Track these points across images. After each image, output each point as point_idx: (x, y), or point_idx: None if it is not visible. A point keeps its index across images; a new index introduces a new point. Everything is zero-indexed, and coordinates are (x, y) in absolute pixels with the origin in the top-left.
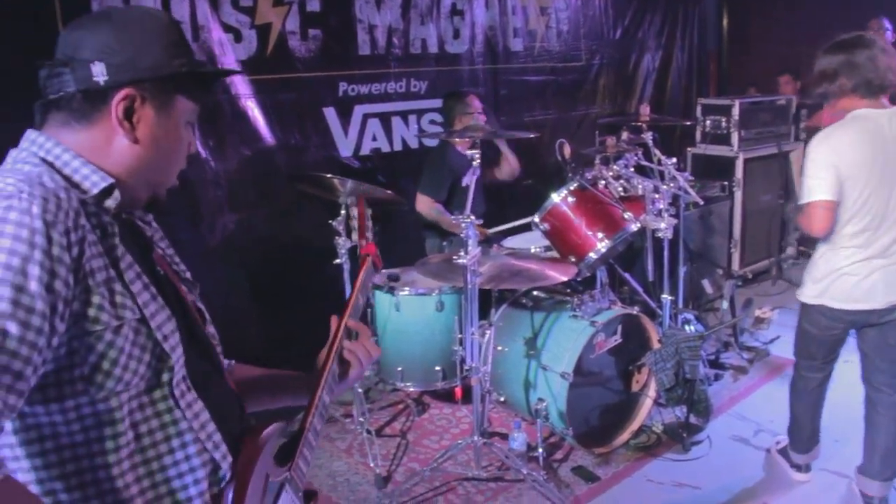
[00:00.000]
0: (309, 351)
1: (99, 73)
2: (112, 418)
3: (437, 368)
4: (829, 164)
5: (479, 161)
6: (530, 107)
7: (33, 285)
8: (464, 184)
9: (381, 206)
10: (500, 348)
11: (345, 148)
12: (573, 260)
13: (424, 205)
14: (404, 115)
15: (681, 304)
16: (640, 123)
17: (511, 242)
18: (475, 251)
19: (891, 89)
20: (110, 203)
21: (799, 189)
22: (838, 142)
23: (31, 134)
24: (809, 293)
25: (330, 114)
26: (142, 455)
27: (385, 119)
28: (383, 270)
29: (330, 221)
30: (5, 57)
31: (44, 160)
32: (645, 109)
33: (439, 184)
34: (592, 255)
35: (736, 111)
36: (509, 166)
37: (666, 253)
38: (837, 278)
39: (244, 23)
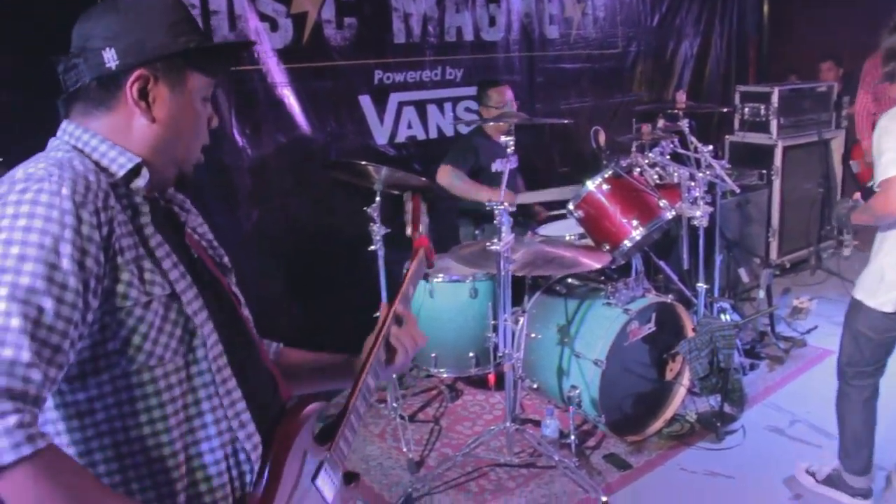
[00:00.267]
0: (344, 336)
1: (110, 58)
2: (144, 392)
3: (471, 355)
4: None
5: (513, 148)
6: (566, 94)
7: (66, 263)
8: (493, 169)
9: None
10: (533, 335)
11: (380, 136)
12: (607, 248)
13: (444, 174)
14: (440, 102)
15: (716, 293)
16: (676, 111)
17: (545, 230)
18: (509, 238)
19: None
20: (139, 182)
21: (838, 179)
22: None
23: (63, 123)
24: (878, 297)
25: (365, 102)
26: (178, 429)
27: (420, 107)
28: None
29: (365, 209)
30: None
31: (74, 147)
32: (681, 97)
33: (462, 158)
34: (627, 243)
35: (775, 98)
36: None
37: (701, 241)
38: None
39: (280, 12)
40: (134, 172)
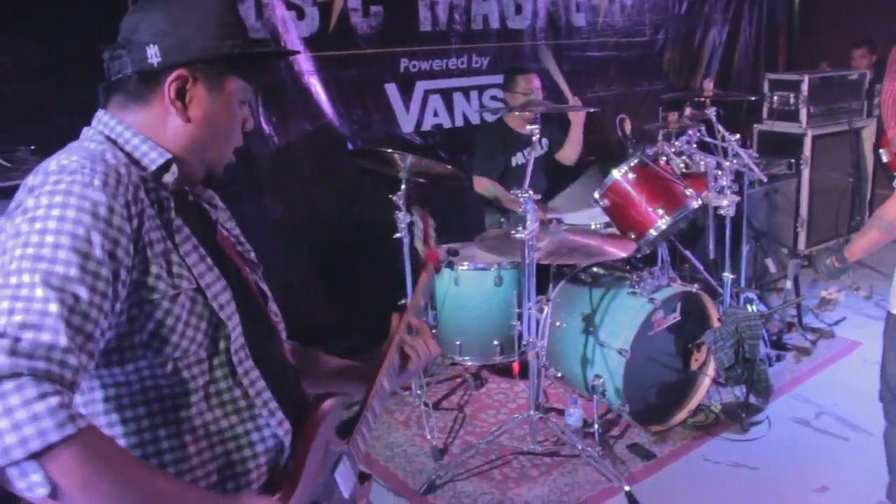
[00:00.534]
0: (369, 324)
1: (153, 55)
2: (170, 383)
3: (495, 343)
4: None
5: (538, 136)
6: (592, 83)
7: (98, 252)
8: (514, 163)
9: (442, 182)
10: (557, 324)
11: (406, 124)
12: (633, 237)
13: (480, 185)
14: (465, 91)
15: (743, 283)
16: (703, 99)
17: (570, 218)
18: (534, 226)
19: None
20: (168, 178)
21: (868, 169)
22: None
23: (99, 113)
24: None
25: (391, 90)
26: (200, 419)
27: (446, 95)
28: (442, 245)
29: (390, 196)
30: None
31: (108, 138)
32: (708, 85)
33: (492, 163)
34: (652, 232)
35: (805, 86)
36: (571, 151)
37: (728, 231)
38: None
39: (307, 0)
40: (164, 168)
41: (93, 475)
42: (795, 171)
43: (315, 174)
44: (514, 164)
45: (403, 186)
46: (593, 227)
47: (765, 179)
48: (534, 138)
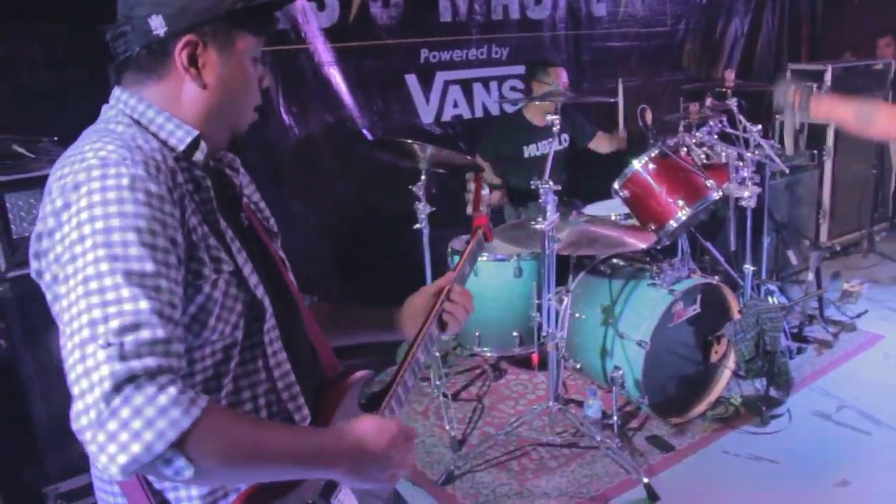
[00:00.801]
0: None
1: (157, 25)
2: (205, 366)
3: (515, 334)
4: None
5: (558, 128)
6: (613, 73)
7: (161, 241)
8: (527, 154)
9: (461, 173)
10: (577, 315)
11: (426, 115)
12: (653, 228)
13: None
14: (485, 81)
15: (764, 275)
16: (725, 90)
17: (591, 209)
18: (553, 217)
19: None
20: (199, 156)
21: (893, 160)
22: None
23: (116, 91)
24: None
25: (411, 81)
26: (227, 399)
27: (466, 86)
28: (463, 236)
29: (410, 187)
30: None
31: (132, 118)
32: (730, 75)
33: (490, 148)
34: (673, 224)
35: (828, 77)
36: (615, 142)
37: (749, 222)
38: None
39: None
40: (193, 146)
41: (227, 446)
42: (818, 162)
43: (335, 165)
44: (526, 154)
45: (423, 177)
46: (613, 217)
47: (786, 170)
48: (554, 129)
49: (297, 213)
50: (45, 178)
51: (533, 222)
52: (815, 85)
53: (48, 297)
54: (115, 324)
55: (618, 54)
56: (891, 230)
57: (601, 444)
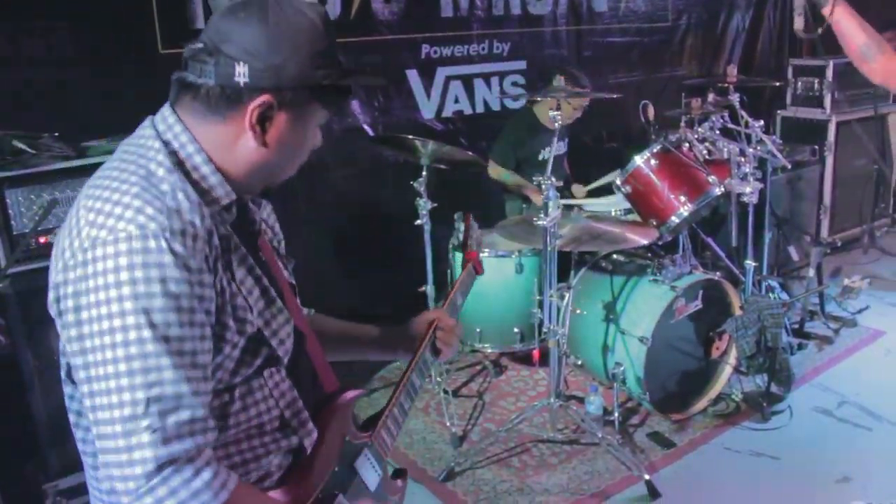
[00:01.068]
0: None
1: (241, 73)
2: (211, 406)
3: (516, 330)
4: None
5: (560, 124)
6: (614, 69)
7: (199, 318)
8: (541, 157)
9: (462, 168)
10: (578, 311)
11: (427, 110)
12: (655, 224)
13: (495, 171)
14: (486, 77)
15: (765, 271)
16: (726, 85)
17: (592, 205)
18: (555, 213)
19: None
20: (228, 217)
21: (894, 156)
22: None
23: (166, 111)
24: None
25: (412, 76)
26: (229, 435)
27: (467, 81)
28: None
29: (411, 183)
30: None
31: (178, 157)
32: (732, 70)
33: (506, 154)
34: (674, 219)
35: (830, 72)
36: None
37: (751, 218)
38: None
39: None
40: (228, 206)
41: None
42: (819, 157)
43: (335, 161)
44: (540, 158)
45: (424, 173)
46: (614, 213)
47: (788, 166)
48: (556, 125)
49: (297, 207)
50: (46, 174)
51: (535, 218)
52: None
53: (58, 325)
54: (159, 406)
55: (619, 49)
56: (892, 226)
57: (602, 441)
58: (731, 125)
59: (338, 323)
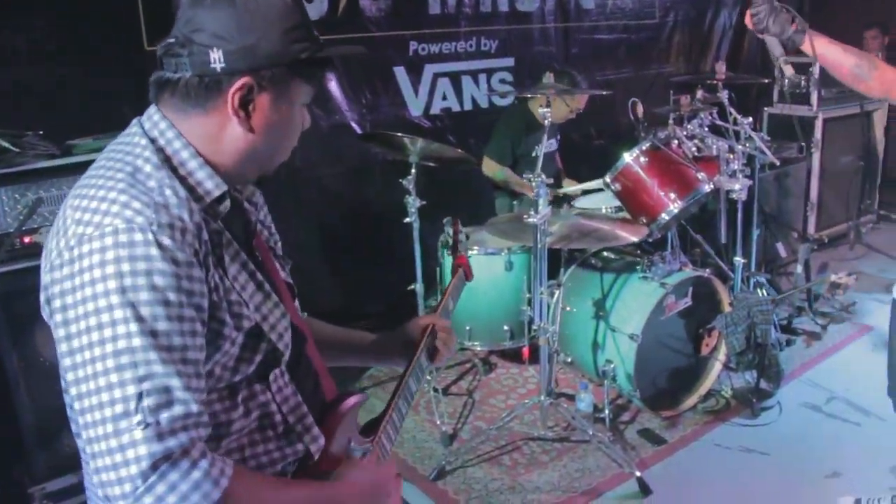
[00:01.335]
0: (379, 308)
1: (216, 59)
2: (213, 410)
3: (506, 328)
4: None
5: (549, 121)
6: (602, 66)
7: (188, 312)
8: (535, 154)
9: (451, 166)
10: (568, 309)
11: (415, 107)
12: (644, 221)
13: (490, 168)
14: (474, 74)
15: (753, 268)
16: (715, 82)
17: (582, 202)
18: (545, 211)
19: None
20: (221, 209)
21: (879, 153)
22: None
23: (151, 110)
24: None
25: (400, 73)
26: (232, 441)
27: (455, 78)
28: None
29: (400, 180)
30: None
31: (164, 154)
32: (720, 67)
33: (504, 150)
34: (664, 217)
35: (816, 69)
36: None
37: (739, 215)
38: None
39: None
40: (219, 199)
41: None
42: (806, 154)
43: (324, 157)
44: (534, 154)
45: (413, 171)
46: (604, 211)
47: (777, 163)
48: (546, 122)
49: (285, 205)
50: (30, 172)
51: (525, 216)
52: (801, 23)
53: (51, 324)
54: (150, 402)
55: (606, 47)
56: (877, 222)
57: (593, 438)
58: (719, 122)
59: (331, 328)
